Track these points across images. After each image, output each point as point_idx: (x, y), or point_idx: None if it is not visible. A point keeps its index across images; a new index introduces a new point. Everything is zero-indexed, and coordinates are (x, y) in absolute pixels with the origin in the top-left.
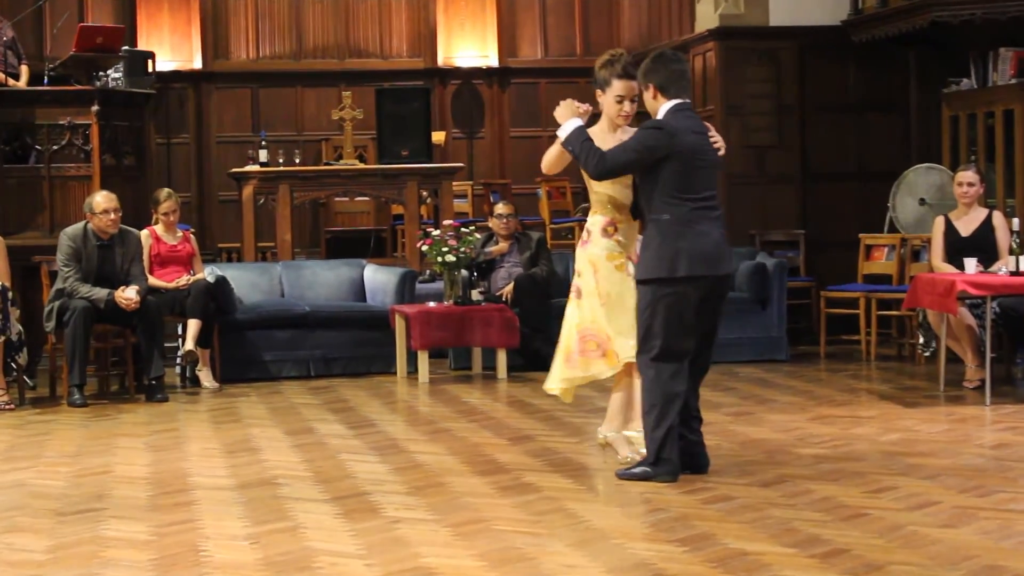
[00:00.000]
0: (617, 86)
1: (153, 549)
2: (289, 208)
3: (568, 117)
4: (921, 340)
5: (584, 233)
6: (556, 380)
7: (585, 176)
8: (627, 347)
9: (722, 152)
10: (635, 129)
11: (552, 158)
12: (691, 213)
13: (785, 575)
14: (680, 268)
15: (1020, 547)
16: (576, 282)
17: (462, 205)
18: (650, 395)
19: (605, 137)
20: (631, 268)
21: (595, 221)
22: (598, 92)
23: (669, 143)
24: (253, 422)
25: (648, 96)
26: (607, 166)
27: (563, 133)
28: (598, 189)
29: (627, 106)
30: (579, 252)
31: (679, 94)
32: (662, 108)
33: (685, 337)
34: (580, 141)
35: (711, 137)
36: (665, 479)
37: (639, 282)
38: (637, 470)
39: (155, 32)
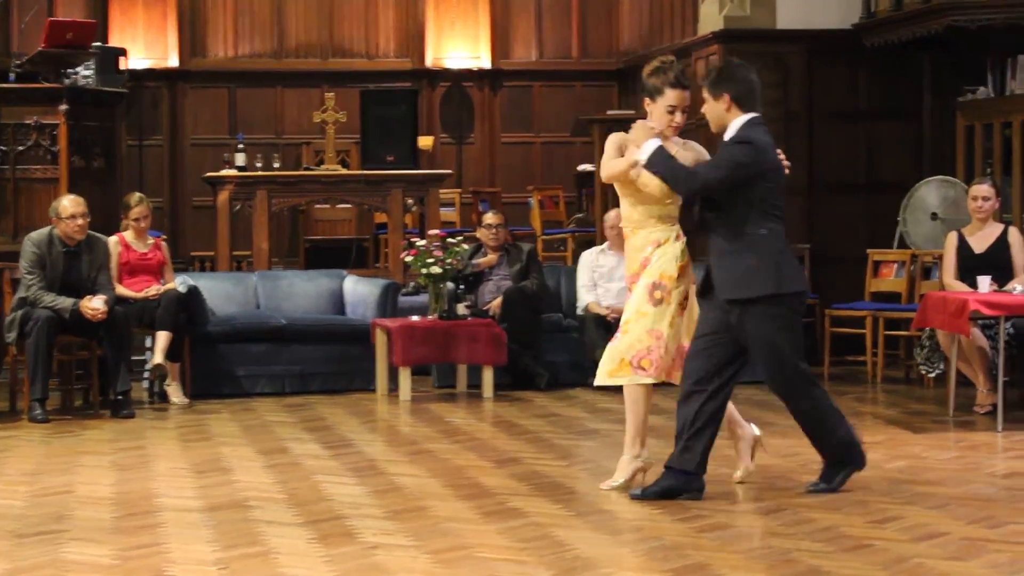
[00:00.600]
0: (670, 96)
1: (117, 573)
2: (267, 215)
3: (645, 139)
4: (920, 360)
5: (671, 236)
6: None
7: (638, 191)
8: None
9: (788, 170)
10: (683, 140)
11: (616, 172)
12: (782, 229)
13: None
14: (787, 284)
15: None
16: (666, 283)
17: (449, 214)
18: (794, 409)
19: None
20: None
21: (671, 233)
22: (646, 100)
23: (759, 159)
24: (224, 440)
25: (719, 107)
26: (699, 185)
27: (644, 156)
28: (656, 204)
29: (678, 117)
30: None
31: (754, 107)
32: (737, 121)
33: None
34: (665, 161)
35: (779, 154)
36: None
37: (738, 301)
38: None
39: (128, 28)
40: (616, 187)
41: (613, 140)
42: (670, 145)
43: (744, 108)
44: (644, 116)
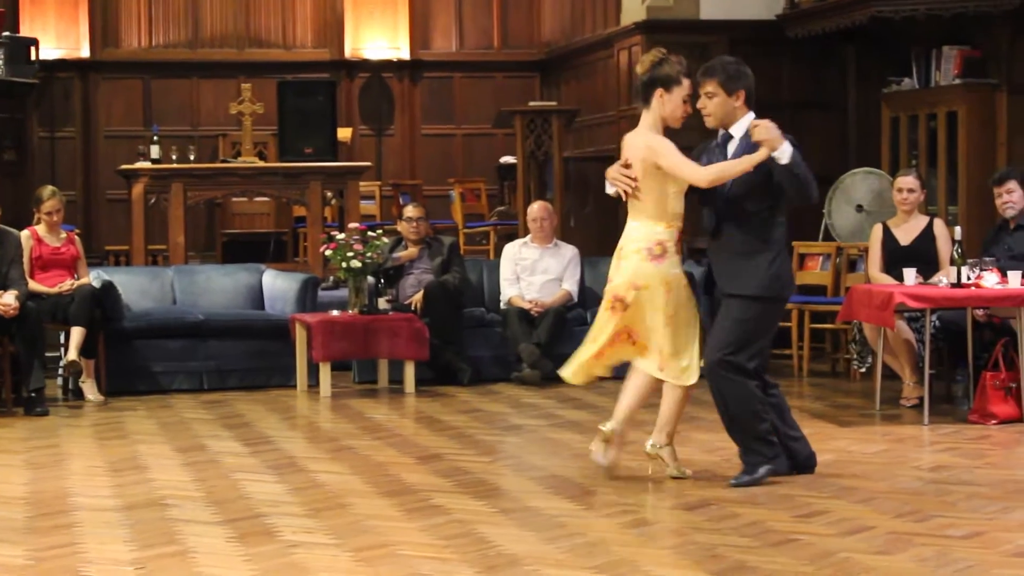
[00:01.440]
0: (687, 85)
1: (31, 574)
2: (182, 208)
3: (780, 139)
4: (855, 355)
5: (656, 246)
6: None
7: (664, 185)
8: (678, 368)
9: None
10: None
11: (730, 175)
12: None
13: None
14: (787, 289)
15: (958, 575)
16: (624, 294)
17: (369, 207)
18: (749, 401)
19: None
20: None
21: (668, 235)
22: (659, 92)
23: None
24: (141, 438)
25: (732, 103)
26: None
27: (787, 156)
28: (676, 201)
29: (689, 107)
30: (648, 266)
31: (753, 107)
32: (745, 119)
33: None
34: (803, 164)
35: None
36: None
37: (745, 297)
38: (757, 474)
39: (39, 17)
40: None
41: (670, 144)
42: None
43: (750, 106)
44: (568, 108)
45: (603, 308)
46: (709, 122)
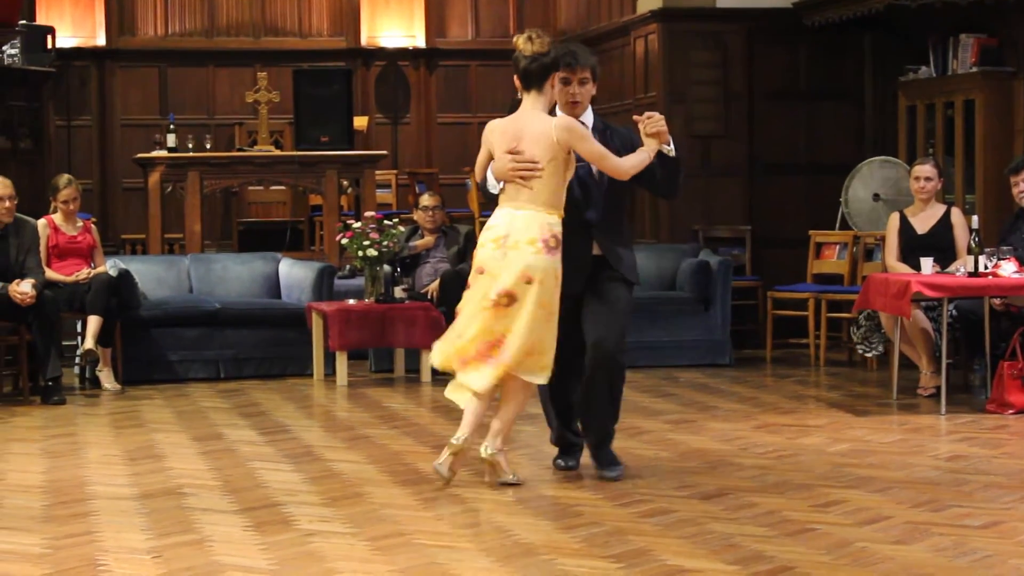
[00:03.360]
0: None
1: (48, 563)
2: (199, 197)
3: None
4: (857, 340)
5: (551, 238)
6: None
7: (566, 172)
8: (538, 364)
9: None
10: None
11: (640, 167)
12: None
13: None
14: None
15: (975, 565)
16: (514, 289)
17: (385, 196)
18: (618, 391)
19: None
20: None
21: (559, 226)
22: (554, 76)
23: None
24: (157, 427)
25: (592, 91)
26: None
27: (673, 149)
28: (564, 190)
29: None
30: (543, 259)
31: None
32: (589, 110)
33: None
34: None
35: None
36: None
37: (629, 283)
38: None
39: (55, 5)
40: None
41: (587, 130)
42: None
43: None
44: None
45: (479, 301)
46: (575, 110)
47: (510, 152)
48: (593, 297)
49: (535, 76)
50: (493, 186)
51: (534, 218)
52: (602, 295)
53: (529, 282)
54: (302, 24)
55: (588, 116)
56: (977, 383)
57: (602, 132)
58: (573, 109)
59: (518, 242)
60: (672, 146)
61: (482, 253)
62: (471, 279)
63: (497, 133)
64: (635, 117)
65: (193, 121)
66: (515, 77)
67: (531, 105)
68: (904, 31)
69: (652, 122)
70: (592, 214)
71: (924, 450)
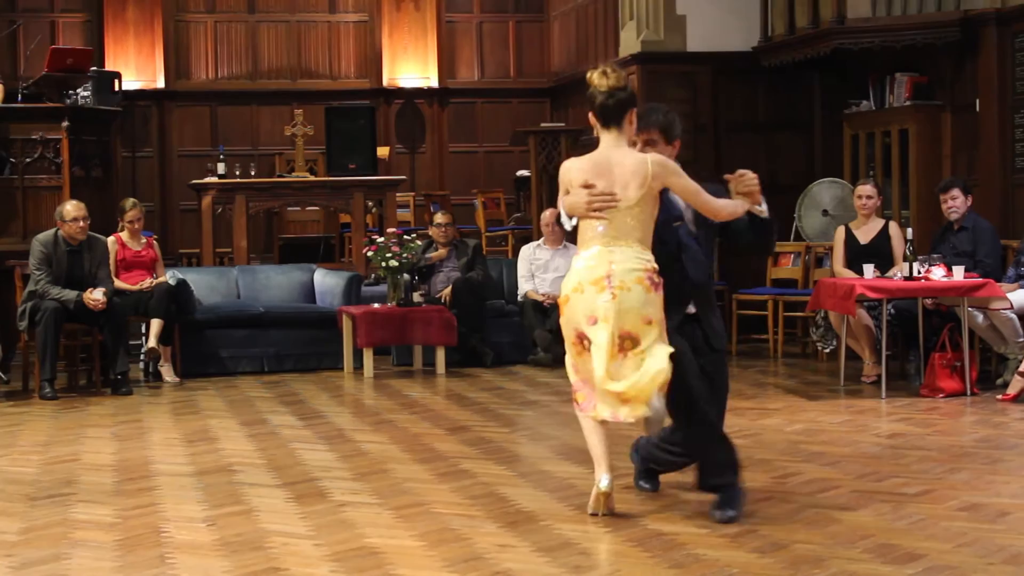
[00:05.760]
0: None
1: (118, 531)
2: (245, 217)
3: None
4: (817, 338)
5: (655, 274)
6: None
7: (654, 210)
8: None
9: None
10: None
11: (736, 214)
12: None
13: (699, 552)
14: None
15: (911, 527)
16: (636, 331)
17: (404, 214)
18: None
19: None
20: None
21: (654, 264)
22: (631, 112)
23: None
24: (211, 414)
25: (670, 151)
26: None
27: (766, 210)
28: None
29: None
30: (654, 297)
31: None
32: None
33: None
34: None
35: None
36: None
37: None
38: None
39: (121, 54)
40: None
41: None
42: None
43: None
44: (575, 128)
45: (610, 352)
46: None
47: (584, 187)
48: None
49: (613, 113)
50: (566, 221)
51: (634, 255)
52: (705, 369)
53: (649, 323)
54: (332, 68)
55: None
56: (912, 371)
57: None
58: None
59: (625, 282)
60: (764, 206)
61: (587, 299)
62: (581, 329)
63: (575, 171)
64: (727, 176)
65: (239, 152)
66: (591, 114)
67: (614, 143)
68: (848, 70)
69: (744, 181)
70: (695, 275)
71: (867, 429)
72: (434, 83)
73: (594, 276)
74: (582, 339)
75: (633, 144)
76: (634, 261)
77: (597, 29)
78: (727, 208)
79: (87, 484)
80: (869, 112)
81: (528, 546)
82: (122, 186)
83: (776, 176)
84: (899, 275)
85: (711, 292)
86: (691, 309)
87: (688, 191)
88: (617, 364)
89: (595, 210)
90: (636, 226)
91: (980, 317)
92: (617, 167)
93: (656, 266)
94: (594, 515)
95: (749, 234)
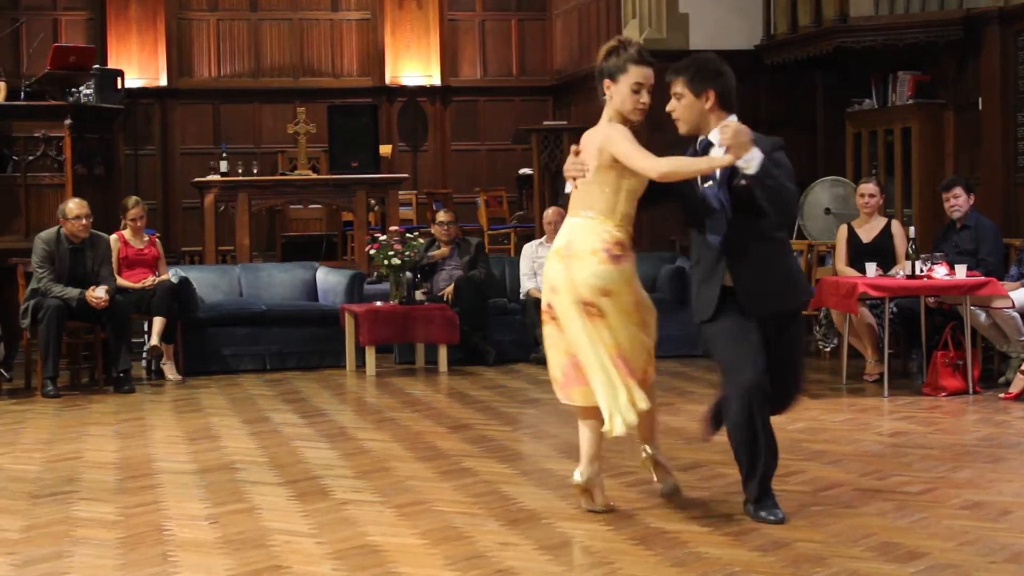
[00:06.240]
0: (635, 72)
1: (120, 528)
2: (247, 215)
3: (748, 144)
4: (820, 337)
5: (614, 246)
6: (623, 414)
7: (620, 180)
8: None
9: None
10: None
11: (686, 172)
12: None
13: (701, 550)
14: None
15: (913, 525)
16: (597, 299)
17: (407, 212)
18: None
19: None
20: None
21: (623, 235)
22: (606, 83)
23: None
24: (213, 412)
25: (700, 106)
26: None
27: (755, 166)
28: (626, 202)
29: (645, 96)
30: (609, 268)
31: (734, 107)
32: (723, 124)
33: None
34: (775, 176)
35: None
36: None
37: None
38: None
39: (124, 52)
40: (612, 174)
41: (626, 133)
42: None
43: (726, 108)
44: (577, 126)
45: (575, 317)
46: (680, 128)
47: (574, 154)
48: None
49: (597, 87)
50: (568, 185)
51: (592, 227)
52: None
53: (607, 295)
54: (335, 66)
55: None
56: (915, 370)
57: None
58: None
59: (578, 252)
60: (749, 160)
61: (548, 271)
62: (547, 299)
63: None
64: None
65: (242, 150)
66: None
67: (604, 114)
68: (850, 69)
69: (726, 132)
70: (714, 237)
71: (870, 427)
72: (436, 81)
73: (556, 246)
74: (549, 307)
75: (624, 120)
76: (591, 233)
77: (599, 27)
78: (669, 164)
79: (89, 482)
80: (871, 111)
81: (530, 544)
82: (124, 184)
83: None
84: (901, 273)
85: (757, 260)
86: (727, 281)
87: (623, 155)
88: (629, 344)
89: (570, 177)
90: (599, 196)
91: (982, 315)
92: (588, 137)
93: (620, 237)
94: (592, 512)
95: (756, 195)
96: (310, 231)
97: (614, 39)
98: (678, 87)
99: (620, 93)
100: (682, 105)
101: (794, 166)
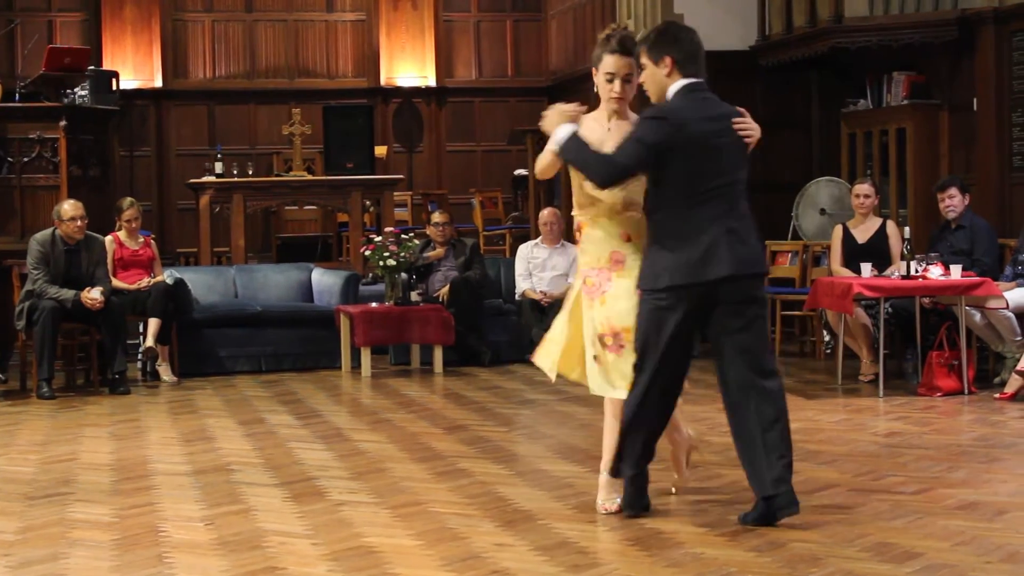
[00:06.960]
0: (607, 62)
1: (116, 530)
2: (242, 216)
3: (558, 124)
4: (827, 338)
5: (577, 231)
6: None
7: (581, 179)
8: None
9: (751, 140)
10: (635, 116)
11: (545, 164)
12: (713, 211)
13: (697, 551)
14: (663, 279)
15: (908, 526)
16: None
17: (402, 213)
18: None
19: (594, 129)
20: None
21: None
22: (593, 71)
23: (672, 135)
24: (208, 413)
25: (660, 73)
26: (616, 171)
27: (557, 143)
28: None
29: (618, 85)
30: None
31: (698, 72)
32: (672, 88)
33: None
34: (577, 149)
35: (737, 123)
36: None
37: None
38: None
39: (119, 53)
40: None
41: (626, 130)
42: (597, 127)
43: (685, 73)
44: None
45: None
46: (651, 98)
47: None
48: None
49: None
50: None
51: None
52: None
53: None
54: (330, 67)
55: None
56: (910, 370)
57: None
58: (619, 105)
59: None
60: (555, 137)
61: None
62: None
63: None
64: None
65: (237, 151)
66: None
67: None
68: (845, 69)
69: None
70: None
71: (865, 428)
72: (432, 82)
73: None
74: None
75: (614, 111)
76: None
77: (595, 28)
78: (539, 163)
79: (85, 483)
80: (867, 111)
81: (526, 545)
82: (120, 185)
83: (774, 174)
84: (897, 274)
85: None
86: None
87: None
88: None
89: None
90: (575, 187)
91: (978, 316)
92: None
93: (579, 222)
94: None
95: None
96: (305, 232)
97: (608, 28)
98: (643, 58)
99: (598, 82)
100: (646, 74)
101: (789, 167)
